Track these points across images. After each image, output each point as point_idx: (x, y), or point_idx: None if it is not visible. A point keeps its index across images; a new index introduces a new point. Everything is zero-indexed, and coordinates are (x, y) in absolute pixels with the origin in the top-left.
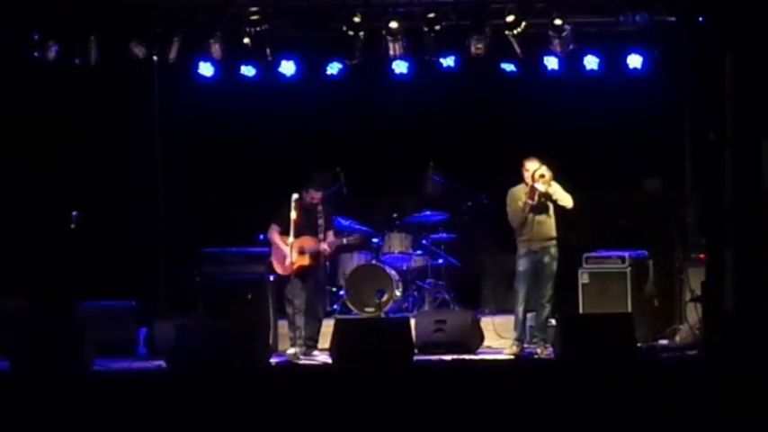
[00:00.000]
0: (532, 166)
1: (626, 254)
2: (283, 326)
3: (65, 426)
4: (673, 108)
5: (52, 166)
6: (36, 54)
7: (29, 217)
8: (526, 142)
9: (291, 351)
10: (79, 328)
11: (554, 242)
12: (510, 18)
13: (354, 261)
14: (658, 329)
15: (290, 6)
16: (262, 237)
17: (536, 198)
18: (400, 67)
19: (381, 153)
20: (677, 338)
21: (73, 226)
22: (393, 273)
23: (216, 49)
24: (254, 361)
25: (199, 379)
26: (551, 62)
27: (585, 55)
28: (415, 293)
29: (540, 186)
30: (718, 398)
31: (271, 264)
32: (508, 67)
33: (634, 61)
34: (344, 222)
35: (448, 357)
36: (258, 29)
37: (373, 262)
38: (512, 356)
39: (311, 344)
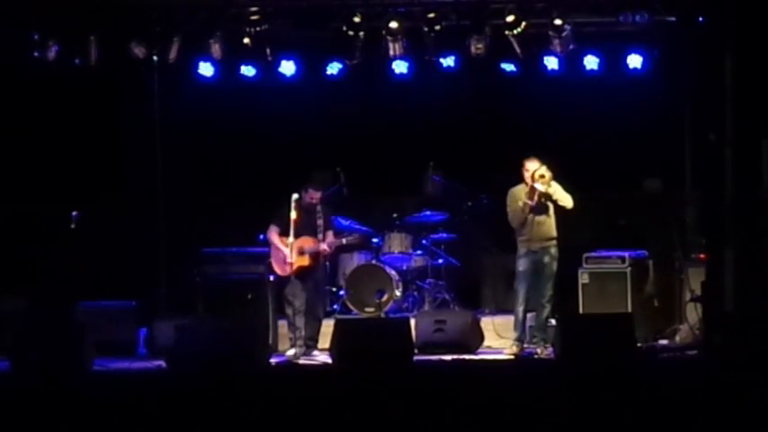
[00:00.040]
0: (532, 167)
1: (626, 254)
2: (283, 326)
3: (65, 426)
4: (673, 108)
5: (52, 166)
6: (36, 54)
7: (29, 217)
8: (526, 142)
9: (291, 353)
10: (79, 328)
11: (554, 242)
12: (510, 18)
13: (354, 261)
14: (658, 329)
15: (290, 6)
16: (262, 237)
17: (535, 198)
18: (400, 67)
19: (381, 153)
20: (677, 338)
21: (73, 226)
22: (393, 273)
23: (216, 49)
24: (254, 361)
25: (199, 379)
26: (551, 62)
27: (585, 55)
28: (415, 293)
29: (540, 186)
30: (718, 398)
31: (270, 264)
32: (508, 67)
33: (634, 61)
34: (344, 222)
35: (448, 357)
36: (258, 29)
37: (373, 262)
38: (512, 356)
39: (311, 344)
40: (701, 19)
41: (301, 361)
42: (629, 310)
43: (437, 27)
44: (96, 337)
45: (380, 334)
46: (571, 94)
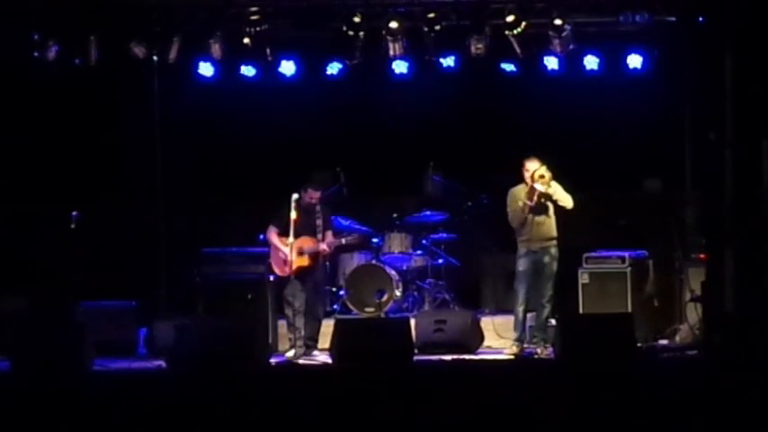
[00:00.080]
0: (532, 167)
1: (626, 254)
2: (283, 326)
3: (65, 426)
4: (673, 108)
5: (52, 166)
6: (36, 54)
7: (29, 217)
8: (526, 142)
9: (290, 354)
10: (79, 328)
11: (554, 242)
12: (510, 18)
13: (354, 261)
14: (658, 329)
15: (290, 6)
16: (262, 237)
17: (535, 198)
18: (400, 67)
19: (381, 153)
20: (677, 338)
21: (73, 226)
22: (393, 273)
23: (216, 49)
24: (254, 361)
25: (199, 379)
26: (551, 62)
27: (585, 55)
28: (415, 293)
29: (540, 187)
30: (718, 398)
31: (270, 264)
32: (508, 67)
33: (634, 61)
34: (344, 222)
35: (448, 357)
36: (258, 29)
37: (373, 262)
38: (512, 356)
39: (311, 344)
40: (701, 19)
41: (301, 361)
42: (629, 310)
43: (437, 27)
44: (96, 337)
45: (380, 334)
46: (571, 94)
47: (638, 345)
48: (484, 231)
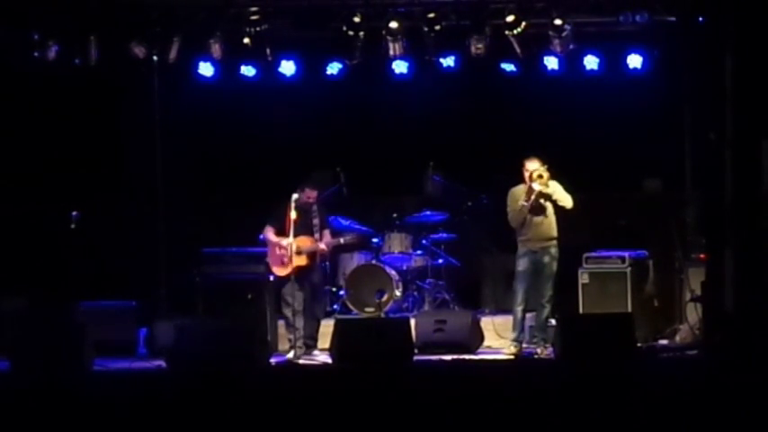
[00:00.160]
0: (532, 166)
1: (626, 254)
2: (283, 326)
3: (65, 426)
4: (673, 108)
5: (52, 166)
6: (36, 54)
7: (29, 217)
8: (526, 142)
9: (290, 355)
10: (79, 328)
11: (554, 242)
12: (510, 18)
13: (354, 261)
14: (658, 329)
15: (290, 6)
16: (261, 237)
17: (532, 198)
18: (400, 67)
19: (381, 153)
20: (677, 338)
21: (73, 226)
22: (393, 273)
23: (216, 49)
24: (254, 361)
25: (199, 379)
26: (551, 62)
27: (585, 55)
28: (415, 293)
29: (537, 186)
30: (718, 398)
31: (268, 264)
32: (508, 67)
33: (634, 61)
34: (344, 222)
35: (448, 357)
36: (258, 29)
37: (373, 262)
38: (511, 356)
39: (311, 343)
40: (701, 19)
41: (301, 361)
42: (629, 310)
43: (437, 27)
44: (96, 337)
45: (380, 334)
46: (571, 94)
47: (638, 345)
48: (484, 231)
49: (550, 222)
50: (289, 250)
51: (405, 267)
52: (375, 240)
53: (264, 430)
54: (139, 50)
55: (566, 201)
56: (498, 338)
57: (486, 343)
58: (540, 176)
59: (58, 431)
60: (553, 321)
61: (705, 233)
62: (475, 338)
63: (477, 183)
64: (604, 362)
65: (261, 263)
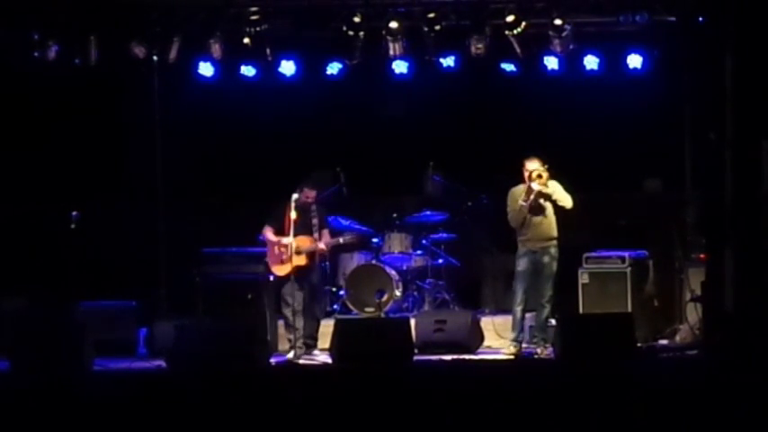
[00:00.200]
0: (532, 166)
1: (626, 254)
2: (283, 326)
3: (65, 426)
4: (673, 108)
5: (52, 166)
6: (36, 54)
7: (29, 217)
8: (526, 142)
9: (290, 355)
10: (79, 328)
11: (554, 242)
12: (510, 18)
13: (354, 261)
14: (658, 329)
15: (290, 6)
16: (260, 237)
17: (531, 198)
18: (400, 67)
19: (381, 153)
20: (677, 338)
21: (73, 226)
22: (393, 273)
23: (216, 49)
24: (254, 361)
25: (199, 379)
26: (551, 62)
27: (585, 55)
28: (415, 293)
29: (536, 186)
30: (718, 398)
31: (268, 264)
32: (508, 67)
33: (634, 61)
34: (344, 222)
35: (448, 357)
36: (258, 29)
37: (373, 262)
38: (511, 356)
39: (311, 342)
40: (701, 19)
41: (301, 361)
42: (629, 310)
43: (437, 27)
44: (96, 337)
45: (380, 334)
46: (571, 94)
47: (638, 345)
48: (484, 231)
49: (550, 222)
50: (289, 249)
51: (405, 267)
52: (375, 240)
53: (264, 430)
54: (139, 50)
55: (565, 201)
56: (498, 338)
57: (486, 343)
58: (540, 176)
59: (58, 431)
60: (553, 321)
61: (705, 233)
62: (475, 338)
63: (477, 183)
64: (604, 362)
65: (260, 263)
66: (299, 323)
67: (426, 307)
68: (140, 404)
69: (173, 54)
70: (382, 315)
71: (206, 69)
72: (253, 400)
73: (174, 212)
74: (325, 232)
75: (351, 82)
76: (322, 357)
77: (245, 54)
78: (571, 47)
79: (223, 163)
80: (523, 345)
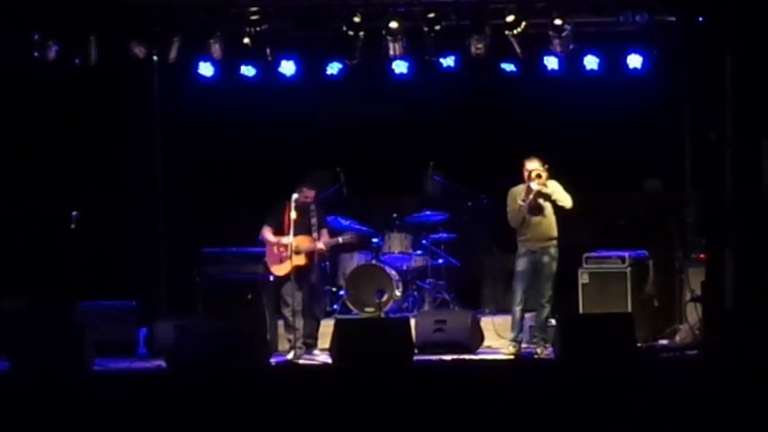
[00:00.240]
0: (532, 166)
1: (626, 254)
2: (283, 326)
3: (65, 426)
4: (673, 108)
5: (52, 165)
6: (36, 54)
7: (29, 217)
8: (526, 142)
9: (290, 355)
10: (79, 328)
11: (554, 242)
12: (510, 18)
13: (354, 261)
14: (658, 329)
15: (290, 6)
16: (259, 237)
17: (529, 198)
18: (400, 67)
19: (381, 153)
20: (677, 338)
21: (73, 226)
22: (393, 273)
23: (216, 49)
24: (254, 361)
25: (199, 379)
26: (551, 62)
27: (585, 55)
28: (415, 293)
29: (535, 185)
30: (718, 398)
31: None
32: (508, 67)
33: (634, 61)
34: (344, 222)
35: (448, 357)
36: (258, 29)
37: (373, 262)
38: (511, 356)
39: (311, 342)
40: (701, 19)
41: (301, 361)
42: (629, 310)
43: (437, 27)
44: (96, 337)
45: (380, 334)
46: (571, 94)
47: (638, 345)
48: (484, 231)
49: (550, 222)
50: (288, 248)
51: (405, 267)
52: (375, 240)
53: (264, 430)
54: (139, 50)
55: (565, 200)
56: (498, 338)
57: (486, 343)
58: (539, 176)
59: (58, 431)
60: (553, 321)
61: (705, 233)
62: (475, 338)
63: (477, 183)
64: (604, 362)
65: (260, 263)
66: (299, 323)
67: (426, 307)
68: (140, 404)
69: (173, 54)
70: (382, 315)
71: (206, 69)
72: (253, 400)
73: (174, 212)
74: (324, 232)
75: (351, 82)
76: (322, 357)
77: (245, 54)
78: (571, 47)
79: (223, 163)
80: (523, 345)
